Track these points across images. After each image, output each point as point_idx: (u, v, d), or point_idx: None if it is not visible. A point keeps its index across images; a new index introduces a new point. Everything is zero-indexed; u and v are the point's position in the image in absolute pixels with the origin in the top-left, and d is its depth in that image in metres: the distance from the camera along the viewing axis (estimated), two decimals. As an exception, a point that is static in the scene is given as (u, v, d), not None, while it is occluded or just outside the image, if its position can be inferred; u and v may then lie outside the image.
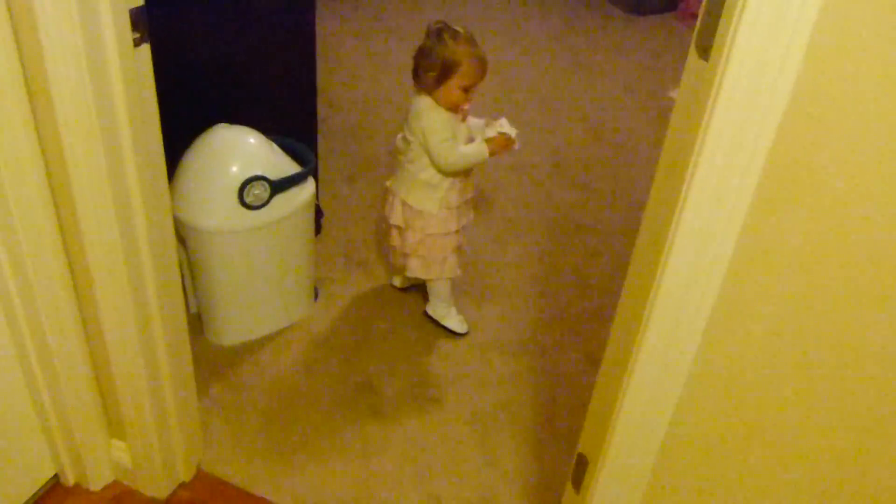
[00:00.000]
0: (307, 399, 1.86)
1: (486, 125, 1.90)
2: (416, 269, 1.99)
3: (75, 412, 1.50)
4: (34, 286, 1.29)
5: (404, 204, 1.91)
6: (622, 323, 1.11)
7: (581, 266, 2.41)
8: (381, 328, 2.10)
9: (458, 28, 1.78)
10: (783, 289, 0.86)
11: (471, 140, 1.88)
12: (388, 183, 1.97)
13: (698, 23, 0.88)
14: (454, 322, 2.11)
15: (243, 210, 1.76)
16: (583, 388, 1.96)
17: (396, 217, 1.94)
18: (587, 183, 2.84)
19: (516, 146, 1.90)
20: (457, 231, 1.97)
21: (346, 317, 2.12)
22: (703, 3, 0.86)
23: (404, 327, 2.11)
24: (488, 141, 1.86)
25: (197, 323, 2.01)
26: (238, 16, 1.90)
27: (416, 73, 1.82)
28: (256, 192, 1.75)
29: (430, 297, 2.11)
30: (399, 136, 1.91)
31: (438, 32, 1.77)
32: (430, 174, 1.86)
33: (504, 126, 1.88)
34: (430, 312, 2.13)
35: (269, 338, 2.02)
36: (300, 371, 1.94)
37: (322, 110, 3.08)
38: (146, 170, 1.21)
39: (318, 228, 2.38)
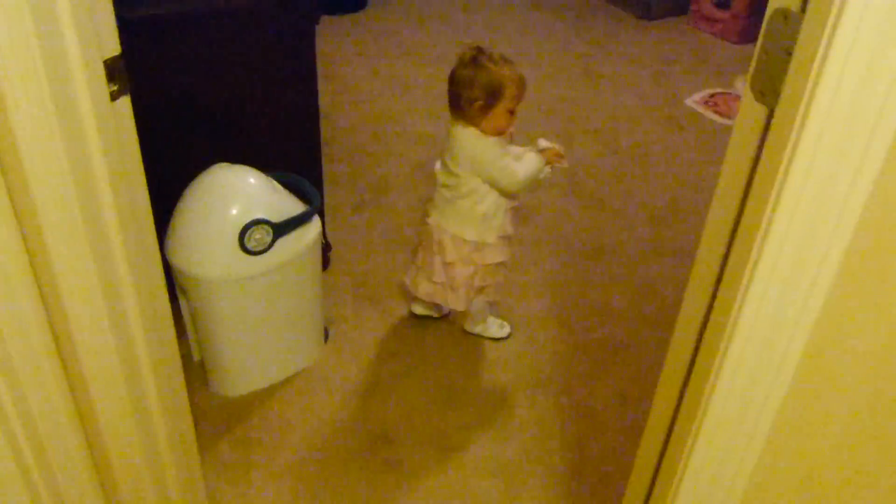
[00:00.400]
0: (319, 453, 1.74)
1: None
2: (462, 303, 1.91)
3: (69, 492, 1.38)
4: (14, 358, 1.18)
5: (459, 240, 1.83)
6: (664, 406, 0.98)
7: (603, 292, 2.28)
8: (396, 370, 1.98)
9: (492, 50, 1.71)
10: (867, 367, 0.73)
11: None
12: (430, 220, 1.88)
13: (753, 62, 0.76)
14: (494, 330, 2.08)
15: (245, 256, 1.64)
16: (613, 431, 1.83)
17: (450, 254, 1.84)
18: (605, 201, 2.71)
19: (565, 163, 1.86)
20: (508, 258, 1.93)
21: (359, 359, 2.00)
22: (760, 41, 0.74)
23: (420, 368, 1.99)
24: (542, 151, 1.82)
25: (201, 373, 1.90)
26: (232, 48, 1.80)
27: (457, 105, 1.73)
28: (258, 236, 1.63)
29: (467, 315, 2.06)
30: (438, 169, 1.83)
31: (475, 59, 1.69)
32: (487, 205, 1.79)
33: (544, 143, 1.85)
34: (468, 329, 2.09)
35: (278, 386, 1.90)
36: (311, 422, 1.82)
37: (326, 134, 2.97)
38: (131, 231, 1.10)
39: (325, 263, 2.26)
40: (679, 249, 2.47)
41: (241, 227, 1.61)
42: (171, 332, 1.29)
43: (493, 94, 1.68)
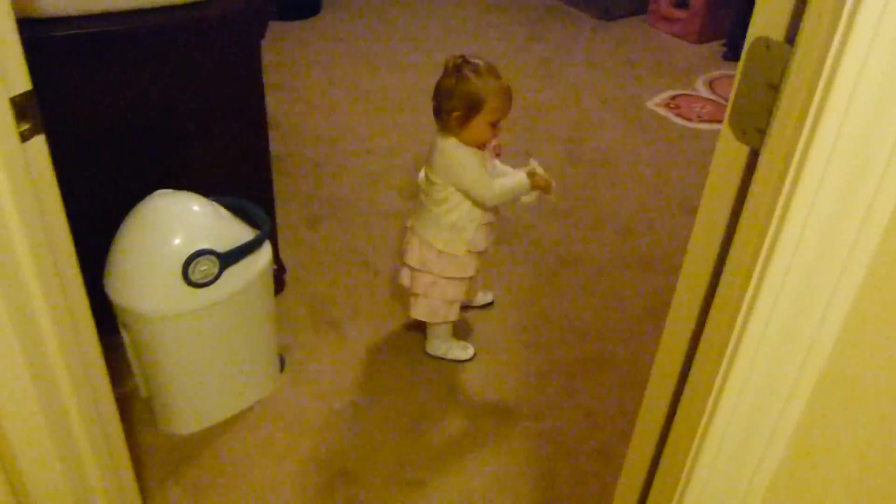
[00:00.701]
0: (276, 492, 1.64)
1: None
2: (421, 312, 1.90)
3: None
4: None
5: (427, 245, 1.80)
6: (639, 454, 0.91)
7: (570, 308, 2.21)
8: (358, 401, 1.88)
9: (478, 60, 1.66)
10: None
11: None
12: (408, 222, 1.87)
13: (732, 97, 0.68)
14: (457, 352, 2.01)
15: (190, 289, 1.53)
16: (585, 455, 1.76)
17: (412, 258, 1.83)
18: (569, 211, 2.65)
19: (552, 196, 1.80)
20: (472, 277, 1.87)
21: (318, 389, 1.90)
22: (738, 73, 0.67)
23: (382, 397, 1.89)
24: (530, 175, 1.75)
25: (149, 410, 1.78)
26: (169, 67, 1.69)
27: (439, 114, 1.69)
28: (203, 268, 1.53)
29: (429, 337, 2.00)
30: (420, 175, 1.80)
31: (458, 68, 1.65)
32: (457, 216, 1.76)
33: (535, 166, 1.78)
34: (430, 352, 2.01)
35: (231, 421, 1.80)
36: (268, 459, 1.72)
37: (278, 147, 2.86)
38: (52, 278, 0.99)
39: (279, 286, 2.16)
40: (645, 259, 2.42)
41: (184, 258, 1.51)
42: (103, 375, 1.19)
43: (472, 106, 1.64)
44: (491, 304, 2.19)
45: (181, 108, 1.75)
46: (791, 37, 0.60)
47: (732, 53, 3.91)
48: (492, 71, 1.66)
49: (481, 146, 1.72)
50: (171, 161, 1.80)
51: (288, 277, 2.21)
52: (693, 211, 2.76)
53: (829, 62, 0.50)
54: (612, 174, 2.88)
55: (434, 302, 1.88)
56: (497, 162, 1.83)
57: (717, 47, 4.03)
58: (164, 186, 1.61)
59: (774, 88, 0.62)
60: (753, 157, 0.66)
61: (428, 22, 4.21)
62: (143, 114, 1.71)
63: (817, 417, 0.67)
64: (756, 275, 0.59)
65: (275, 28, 3.87)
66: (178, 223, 1.54)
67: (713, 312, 0.67)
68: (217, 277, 1.56)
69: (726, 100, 3.46)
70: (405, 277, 1.90)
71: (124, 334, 1.68)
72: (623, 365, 2.01)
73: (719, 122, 3.30)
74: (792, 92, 0.56)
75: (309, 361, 1.98)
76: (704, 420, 0.71)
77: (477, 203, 1.74)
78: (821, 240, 0.56)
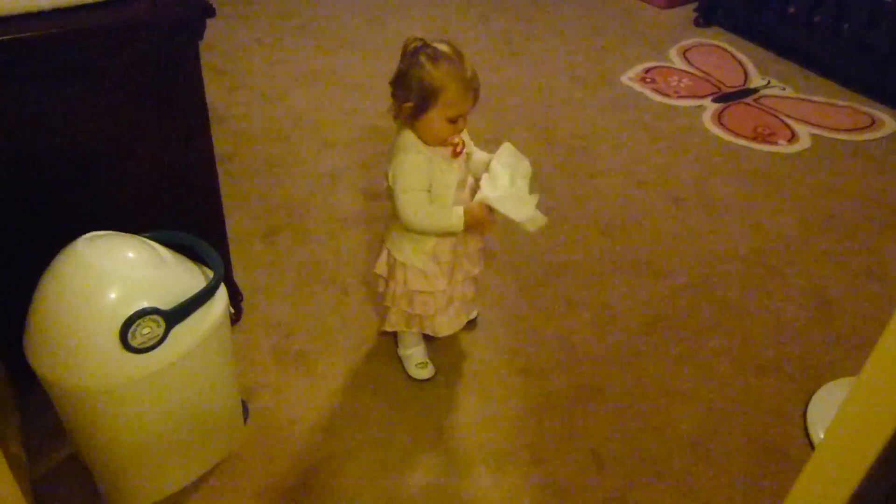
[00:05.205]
0: (248, 579, 1.42)
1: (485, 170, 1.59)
2: (395, 323, 1.73)
3: None
4: None
5: (389, 252, 1.62)
6: None
7: (562, 325, 1.99)
8: (334, 451, 1.65)
9: (441, 45, 1.44)
10: None
11: (467, 183, 1.60)
12: (382, 227, 1.72)
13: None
14: (412, 368, 1.83)
15: (130, 355, 1.27)
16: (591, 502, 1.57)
17: (381, 266, 1.68)
18: (550, 206, 2.41)
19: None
20: (443, 290, 1.66)
21: (288, 439, 1.66)
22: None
23: (363, 446, 1.66)
24: (468, 211, 1.53)
25: (88, 480, 1.52)
26: (84, 83, 1.39)
27: (394, 103, 1.48)
28: (146, 331, 1.26)
29: (399, 335, 1.84)
30: (384, 172, 1.58)
31: (414, 52, 1.43)
32: None
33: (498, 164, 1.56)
34: (399, 352, 1.86)
35: (190, 489, 1.55)
36: (235, 535, 1.48)
37: (224, 146, 2.57)
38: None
39: (234, 316, 1.90)
40: (637, 262, 2.21)
41: (121, 321, 1.24)
42: None
43: (426, 98, 1.43)
44: (475, 320, 1.96)
45: (103, 130, 1.46)
46: None
47: (704, 19, 3.70)
48: (453, 58, 1.43)
49: (442, 143, 1.50)
50: (95, 195, 1.51)
51: (244, 305, 1.95)
52: (682, 202, 2.54)
53: None
54: (591, 163, 2.66)
55: (407, 315, 1.71)
56: (479, 155, 1.61)
57: (687, 12, 3.81)
58: (88, 227, 1.33)
59: None
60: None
61: (378, -8, 3.88)
62: (54, 139, 1.42)
63: None
64: None
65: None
66: (110, 276, 1.26)
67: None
68: (163, 339, 1.29)
69: (703, 71, 3.28)
70: (381, 285, 1.74)
71: (53, 401, 1.41)
72: (624, 393, 1.81)
73: (699, 97, 3.10)
74: None
75: (276, 406, 1.73)
76: None
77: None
78: None
